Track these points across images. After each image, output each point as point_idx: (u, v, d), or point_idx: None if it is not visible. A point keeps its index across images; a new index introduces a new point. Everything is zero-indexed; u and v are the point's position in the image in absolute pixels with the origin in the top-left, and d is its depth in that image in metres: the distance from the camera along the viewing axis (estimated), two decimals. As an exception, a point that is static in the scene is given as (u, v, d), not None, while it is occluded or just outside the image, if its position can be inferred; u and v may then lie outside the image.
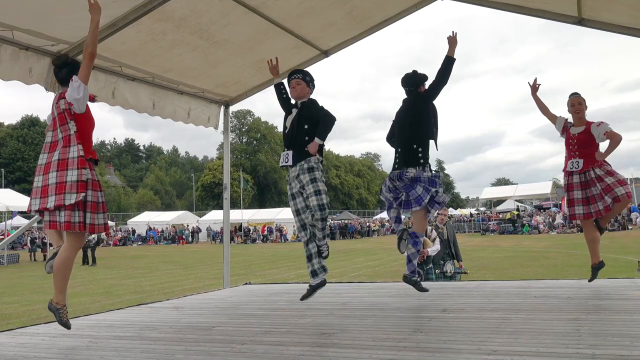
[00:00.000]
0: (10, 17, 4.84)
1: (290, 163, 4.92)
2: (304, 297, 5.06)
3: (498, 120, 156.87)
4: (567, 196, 5.74)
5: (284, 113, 5.25)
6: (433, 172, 5.24)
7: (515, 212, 42.92)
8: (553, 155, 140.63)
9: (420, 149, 5.17)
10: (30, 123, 67.12)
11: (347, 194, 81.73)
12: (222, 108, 7.91)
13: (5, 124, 69.81)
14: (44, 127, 62.83)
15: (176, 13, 5.56)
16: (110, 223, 51.12)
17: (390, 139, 5.57)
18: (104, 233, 5.36)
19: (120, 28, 5.37)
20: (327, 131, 4.90)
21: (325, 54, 7.32)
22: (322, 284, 4.97)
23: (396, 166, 5.30)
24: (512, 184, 63.99)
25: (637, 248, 18.30)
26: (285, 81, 5.34)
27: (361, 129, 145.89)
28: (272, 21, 6.18)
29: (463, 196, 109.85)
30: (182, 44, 6.11)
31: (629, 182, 5.53)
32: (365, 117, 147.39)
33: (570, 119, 5.78)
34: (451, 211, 53.50)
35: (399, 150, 5.30)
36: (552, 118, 5.94)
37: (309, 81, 5.14)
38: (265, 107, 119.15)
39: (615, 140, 5.44)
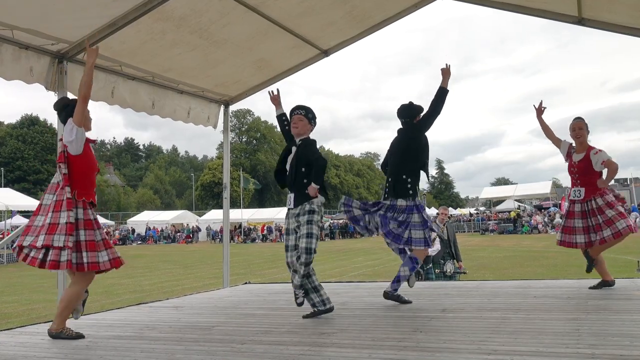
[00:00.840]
0: (11, 17, 4.85)
1: (292, 206, 4.94)
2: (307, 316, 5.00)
3: (498, 120, 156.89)
4: (565, 222, 5.77)
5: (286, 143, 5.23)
6: (420, 205, 5.28)
7: (517, 211, 42.96)
8: (553, 155, 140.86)
9: (409, 180, 5.19)
10: (30, 122, 67.10)
11: (346, 194, 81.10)
12: (222, 107, 7.91)
13: (5, 123, 69.83)
14: (43, 127, 62.49)
15: (176, 12, 5.56)
16: (109, 222, 51.15)
17: (384, 167, 5.59)
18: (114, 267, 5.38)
19: (120, 27, 5.38)
20: (320, 175, 4.86)
21: (325, 53, 7.32)
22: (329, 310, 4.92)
23: (385, 195, 5.34)
24: (512, 183, 64.03)
25: (637, 248, 18.29)
26: (288, 112, 5.23)
27: (361, 129, 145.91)
28: (272, 20, 6.18)
29: (462, 196, 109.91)
30: (182, 43, 6.11)
31: (626, 214, 5.54)
32: (365, 116, 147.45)
33: (574, 143, 5.77)
34: (451, 211, 53.47)
35: (389, 179, 5.32)
36: (557, 142, 5.94)
37: (310, 118, 5.06)
38: (266, 106, 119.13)
39: (612, 169, 5.49)
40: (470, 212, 56.38)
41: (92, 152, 4.46)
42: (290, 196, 4.96)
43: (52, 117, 60.99)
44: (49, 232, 4.08)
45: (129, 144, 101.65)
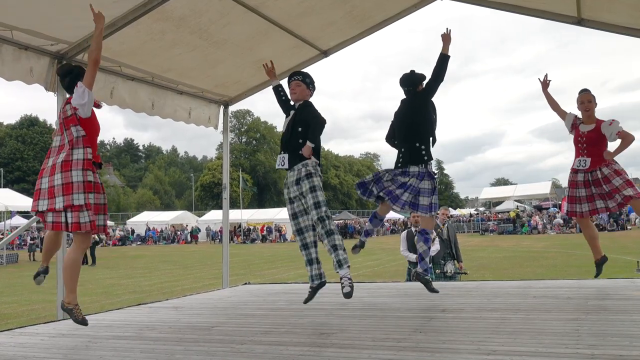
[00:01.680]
0: (10, 17, 4.85)
1: (286, 166, 4.93)
2: (306, 300, 5.10)
3: (498, 120, 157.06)
4: (568, 192, 5.73)
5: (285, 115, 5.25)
6: (434, 173, 5.28)
7: (516, 211, 42.97)
8: (553, 155, 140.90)
9: (423, 147, 5.20)
10: (30, 123, 67.10)
11: (346, 194, 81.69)
12: (222, 108, 7.91)
13: (5, 123, 69.82)
14: (43, 127, 62.34)
15: (175, 13, 5.56)
16: (109, 223, 51.13)
17: (391, 139, 5.57)
18: (103, 233, 5.42)
19: (119, 28, 5.38)
20: (317, 134, 4.87)
21: (325, 53, 7.32)
22: (349, 289, 4.86)
23: (399, 165, 5.31)
24: (512, 184, 64.03)
25: (636, 248, 18.31)
26: (284, 83, 5.31)
27: (361, 129, 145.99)
28: (271, 21, 6.18)
29: (462, 196, 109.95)
30: (182, 43, 6.11)
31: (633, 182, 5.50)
32: (365, 117, 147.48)
33: (580, 115, 5.74)
34: (450, 211, 53.51)
35: (402, 149, 5.31)
36: (562, 114, 5.89)
37: (308, 83, 5.11)
38: (266, 106, 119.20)
39: (627, 140, 5.40)
40: (470, 213, 56.41)
41: (95, 115, 4.47)
42: (284, 156, 4.94)
43: (51, 118, 60.96)
44: (66, 193, 4.07)
45: (129, 145, 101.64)
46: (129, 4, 5.17)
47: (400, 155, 5.32)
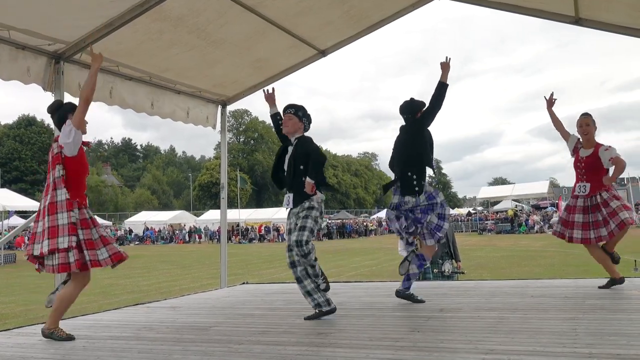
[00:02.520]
0: (7, 17, 4.84)
1: (292, 206, 4.88)
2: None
3: (497, 119, 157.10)
4: (565, 216, 5.74)
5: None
6: (433, 194, 5.29)
7: (515, 210, 43.00)
8: (551, 154, 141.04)
9: (414, 177, 5.17)
10: (27, 123, 67.01)
11: (344, 194, 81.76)
12: (220, 108, 7.91)
13: (2, 123, 69.73)
14: (41, 127, 62.28)
15: (173, 12, 5.56)
16: (107, 223, 51.07)
17: (392, 166, 5.57)
18: (112, 264, 5.39)
19: (117, 27, 5.37)
20: (317, 170, 4.77)
21: (323, 53, 7.31)
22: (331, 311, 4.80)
23: (397, 192, 5.33)
24: (510, 183, 64.02)
25: (634, 247, 18.31)
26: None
27: (360, 129, 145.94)
28: (269, 20, 6.18)
29: (460, 195, 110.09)
30: (179, 43, 6.11)
31: (631, 208, 5.54)
32: (364, 116, 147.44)
33: (582, 139, 5.75)
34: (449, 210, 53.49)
35: (396, 177, 5.34)
36: (566, 136, 5.90)
37: (301, 116, 4.96)
38: (264, 106, 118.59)
39: (620, 166, 5.45)
40: (469, 212, 56.45)
41: (85, 154, 4.46)
42: (289, 196, 4.88)
43: (49, 118, 60.79)
44: (51, 236, 4.08)
45: (127, 144, 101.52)
46: (126, 3, 5.16)
47: (397, 183, 5.33)
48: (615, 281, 5.64)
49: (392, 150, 5.55)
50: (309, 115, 5.07)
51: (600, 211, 5.46)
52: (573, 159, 5.77)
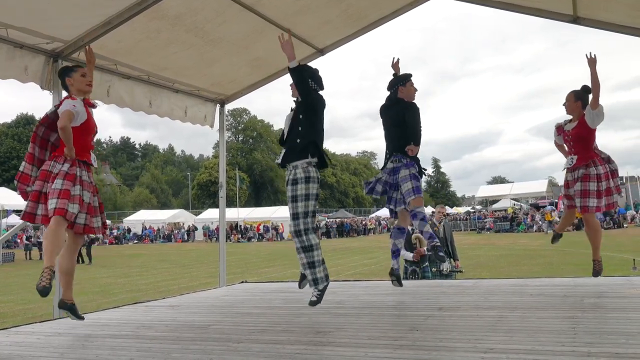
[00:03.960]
0: (5, 15, 4.83)
1: (279, 161, 4.88)
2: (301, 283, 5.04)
3: (496, 118, 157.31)
4: (562, 191, 5.85)
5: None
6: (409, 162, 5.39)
7: (515, 208, 43.04)
8: (550, 153, 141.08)
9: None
10: (26, 121, 66.89)
11: (343, 193, 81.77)
12: (218, 106, 7.90)
13: (0, 122, 69.65)
14: (39, 126, 62.57)
15: (171, 11, 5.55)
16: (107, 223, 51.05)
17: None
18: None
19: (115, 26, 5.35)
20: (302, 83, 4.77)
21: (321, 52, 7.31)
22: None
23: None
24: (508, 182, 64.09)
25: (633, 246, 18.35)
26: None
27: (359, 128, 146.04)
28: (267, 19, 6.17)
29: (459, 194, 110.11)
30: (177, 42, 6.10)
31: (613, 190, 5.42)
32: (363, 115, 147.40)
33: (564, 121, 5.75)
34: (447, 209, 53.59)
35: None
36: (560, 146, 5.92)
37: (295, 82, 4.94)
38: (262, 105, 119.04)
39: (594, 91, 5.32)
40: (470, 210, 56.52)
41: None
42: (282, 152, 4.86)
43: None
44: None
45: (125, 143, 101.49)
46: (124, 2, 5.15)
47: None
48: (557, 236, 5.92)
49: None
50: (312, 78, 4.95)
51: (576, 184, 5.42)
52: (564, 141, 5.70)
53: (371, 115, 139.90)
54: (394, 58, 5.74)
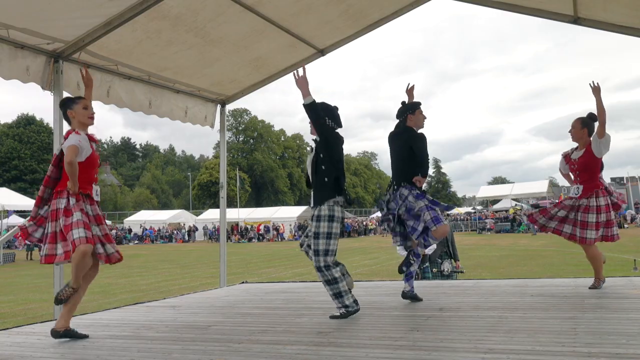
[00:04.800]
0: (5, 16, 4.83)
1: (312, 205, 4.97)
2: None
3: (496, 118, 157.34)
4: (549, 207, 5.79)
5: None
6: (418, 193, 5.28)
7: (517, 208, 43.00)
8: (550, 154, 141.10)
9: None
10: (26, 122, 66.90)
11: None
12: (219, 107, 7.90)
13: (1, 122, 69.65)
14: (40, 126, 61.92)
15: (172, 11, 5.55)
16: (107, 222, 51.04)
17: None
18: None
19: (115, 27, 5.36)
20: (316, 116, 4.83)
21: (322, 52, 7.31)
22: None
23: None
24: (509, 182, 64.04)
25: (634, 247, 18.34)
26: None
27: (360, 128, 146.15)
28: (267, 19, 6.17)
29: (460, 195, 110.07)
30: (178, 42, 6.10)
31: (614, 221, 5.52)
32: (364, 116, 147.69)
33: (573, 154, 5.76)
34: (448, 210, 53.40)
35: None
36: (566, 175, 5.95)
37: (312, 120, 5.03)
38: (263, 105, 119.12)
39: (601, 119, 5.37)
40: (470, 211, 56.48)
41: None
42: (311, 193, 4.99)
43: (48, 117, 60.88)
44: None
45: (126, 144, 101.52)
46: (124, 2, 5.16)
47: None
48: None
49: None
50: (330, 116, 4.99)
51: (577, 212, 5.49)
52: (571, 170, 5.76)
53: (372, 115, 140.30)
54: (408, 84, 5.58)
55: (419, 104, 5.40)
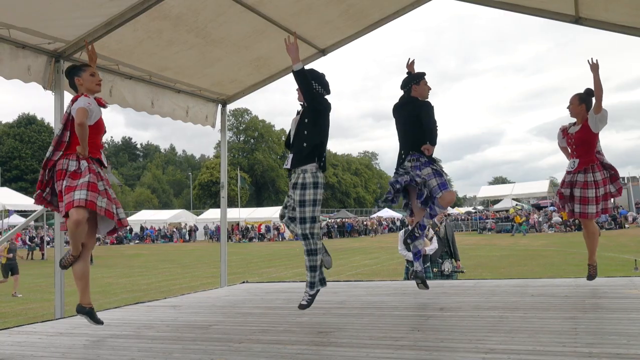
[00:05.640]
0: (6, 16, 4.83)
1: (288, 166, 4.89)
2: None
3: (497, 118, 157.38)
4: (560, 189, 5.80)
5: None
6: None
7: (517, 208, 42.98)
8: (551, 153, 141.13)
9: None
10: (27, 121, 66.96)
11: (344, 193, 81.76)
12: (219, 107, 7.90)
13: (2, 122, 69.65)
14: (40, 126, 61.71)
15: (173, 11, 5.55)
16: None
17: None
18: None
19: (116, 26, 5.37)
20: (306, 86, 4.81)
21: (323, 52, 7.31)
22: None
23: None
24: (510, 182, 64.02)
25: (634, 247, 18.33)
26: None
27: (361, 128, 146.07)
28: (268, 19, 6.17)
29: (461, 195, 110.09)
30: (179, 42, 6.10)
31: (608, 195, 5.55)
32: (366, 115, 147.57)
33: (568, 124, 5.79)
34: (448, 209, 53.49)
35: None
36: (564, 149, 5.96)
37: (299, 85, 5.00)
38: (264, 105, 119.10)
39: (597, 94, 5.38)
40: (471, 210, 56.47)
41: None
42: (289, 156, 4.91)
43: (49, 117, 60.82)
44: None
45: (127, 143, 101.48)
46: (125, 2, 5.16)
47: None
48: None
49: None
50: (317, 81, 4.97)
51: (575, 188, 5.51)
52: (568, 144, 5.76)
53: (373, 115, 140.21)
54: (409, 59, 5.61)
55: (423, 74, 5.38)
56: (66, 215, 4.09)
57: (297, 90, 5.01)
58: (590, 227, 5.65)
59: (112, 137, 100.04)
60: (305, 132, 4.81)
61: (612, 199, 5.59)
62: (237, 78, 7.45)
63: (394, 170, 5.42)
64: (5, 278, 13.32)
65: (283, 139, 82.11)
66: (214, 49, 6.45)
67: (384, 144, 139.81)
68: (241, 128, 79.58)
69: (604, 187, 5.48)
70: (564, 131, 5.80)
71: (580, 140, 5.55)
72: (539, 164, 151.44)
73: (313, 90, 4.86)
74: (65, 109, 4.38)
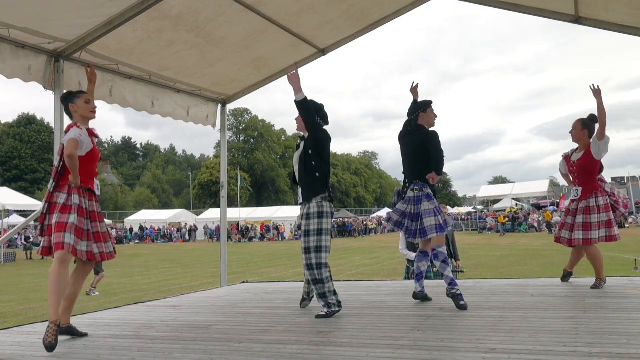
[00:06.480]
0: (6, 15, 4.83)
1: (301, 201, 4.98)
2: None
3: (498, 118, 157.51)
4: (562, 219, 5.89)
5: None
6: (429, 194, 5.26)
7: (517, 208, 42.96)
8: (551, 153, 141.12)
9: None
10: (27, 121, 66.91)
11: (344, 193, 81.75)
12: (219, 106, 7.90)
13: (2, 122, 69.64)
14: (40, 126, 61.78)
15: (173, 11, 5.55)
16: (107, 221, 51.00)
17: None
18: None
19: (116, 26, 5.36)
20: (309, 120, 4.86)
21: (323, 52, 7.30)
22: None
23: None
24: (510, 182, 64.00)
25: (634, 246, 18.33)
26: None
27: (361, 128, 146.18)
28: (268, 19, 6.17)
29: (460, 194, 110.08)
30: (179, 42, 6.10)
31: (614, 221, 5.60)
32: (366, 115, 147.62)
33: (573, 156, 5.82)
34: (449, 209, 53.46)
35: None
36: (566, 176, 6.00)
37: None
38: (264, 105, 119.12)
39: (601, 122, 5.41)
40: (471, 210, 56.46)
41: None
42: (299, 190, 4.98)
43: (49, 116, 60.81)
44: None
45: (127, 143, 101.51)
46: (125, 2, 5.16)
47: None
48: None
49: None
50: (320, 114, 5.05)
51: (579, 215, 5.56)
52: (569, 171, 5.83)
53: (374, 115, 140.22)
54: (413, 83, 5.58)
55: (430, 102, 5.38)
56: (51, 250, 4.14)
57: (296, 119, 5.07)
58: (592, 252, 5.62)
59: (112, 136, 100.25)
60: (314, 162, 4.89)
61: (615, 226, 5.58)
62: (237, 78, 7.44)
63: (398, 194, 5.41)
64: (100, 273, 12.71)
65: (283, 138, 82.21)
66: (214, 49, 6.44)
67: (384, 144, 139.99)
68: (241, 128, 79.55)
69: (606, 213, 5.50)
70: (567, 158, 5.85)
71: (582, 168, 5.60)
72: (539, 164, 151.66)
73: (315, 120, 4.92)
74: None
